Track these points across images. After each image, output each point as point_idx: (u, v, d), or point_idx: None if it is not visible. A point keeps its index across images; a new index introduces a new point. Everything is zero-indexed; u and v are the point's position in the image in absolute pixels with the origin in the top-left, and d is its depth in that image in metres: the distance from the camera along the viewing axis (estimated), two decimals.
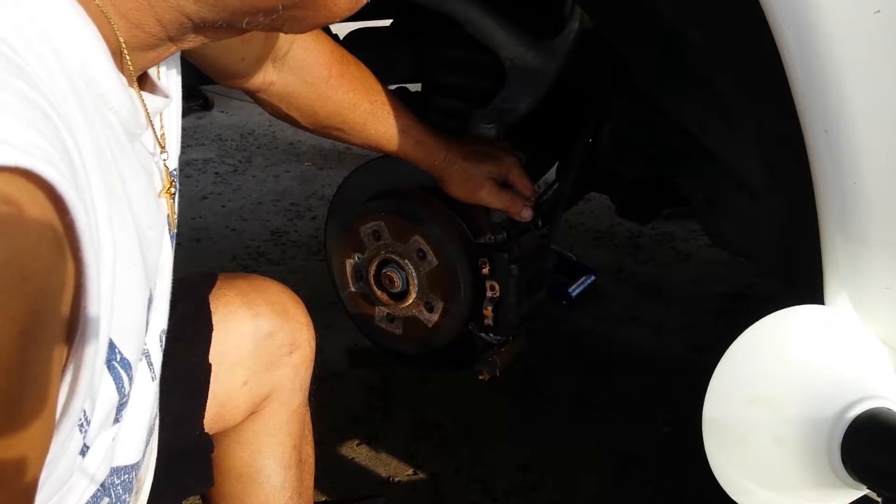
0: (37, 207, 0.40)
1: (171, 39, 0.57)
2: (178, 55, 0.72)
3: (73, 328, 0.46)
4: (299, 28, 0.59)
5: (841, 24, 0.61)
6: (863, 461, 0.67)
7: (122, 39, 0.54)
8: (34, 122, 0.41)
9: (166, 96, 0.66)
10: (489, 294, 1.17)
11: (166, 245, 0.70)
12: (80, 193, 0.44)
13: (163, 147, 0.68)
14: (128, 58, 0.55)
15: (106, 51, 0.52)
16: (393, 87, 1.17)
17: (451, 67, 1.32)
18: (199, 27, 0.57)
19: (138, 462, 0.72)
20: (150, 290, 0.64)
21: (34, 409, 0.41)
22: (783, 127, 0.71)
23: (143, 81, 0.63)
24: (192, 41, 0.59)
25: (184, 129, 0.75)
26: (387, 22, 1.58)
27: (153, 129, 0.65)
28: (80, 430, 0.52)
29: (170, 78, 0.70)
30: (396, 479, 1.60)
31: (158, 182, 0.67)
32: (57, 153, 0.42)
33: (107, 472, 0.65)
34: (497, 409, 1.82)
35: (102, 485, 0.64)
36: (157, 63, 0.62)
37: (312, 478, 1.17)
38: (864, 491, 0.70)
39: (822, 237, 0.74)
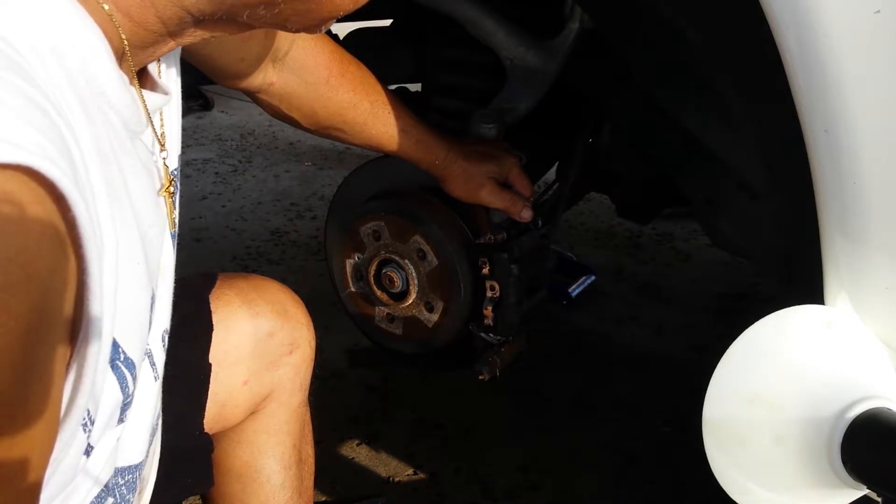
0: (38, 205, 0.40)
1: (171, 35, 0.57)
2: (177, 54, 0.72)
3: (76, 327, 0.46)
4: (303, 23, 0.59)
5: (841, 24, 0.61)
6: (863, 461, 0.67)
7: (124, 37, 0.54)
8: (34, 119, 0.41)
9: (166, 93, 0.66)
10: (489, 294, 1.17)
11: (167, 244, 0.70)
12: (81, 191, 0.43)
13: (162, 145, 0.68)
14: (129, 55, 0.55)
15: (107, 48, 0.52)
16: (393, 87, 1.17)
17: (451, 67, 1.32)
18: (199, 21, 0.56)
19: (142, 462, 0.72)
20: (153, 290, 0.64)
21: (38, 409, 0.41)
22: (783, 127, 0.71)
23: (143, 79, 0.63)
24: (192, 36, 0.59)
25: (184, 129, 0.75)
26: (387, 22, 1.58)
27: (153, 127, 0.65)
28: (84, 430, 0.52)
29: (170, 76, 0.70)
30: (396, 479, 1.60)
31: (157, 181, 0.67)
32: (57, 151, 0.42)
33: (111, 472, 0.65)
34: (497, 409, 1.82)
35: (106, 486, 0.64)
36: (154, 59, 0.62)
37: (312, 477, 1.17)
38: (864, 491, 0.70)
39: (822, 237, 0.74)
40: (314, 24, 0.60)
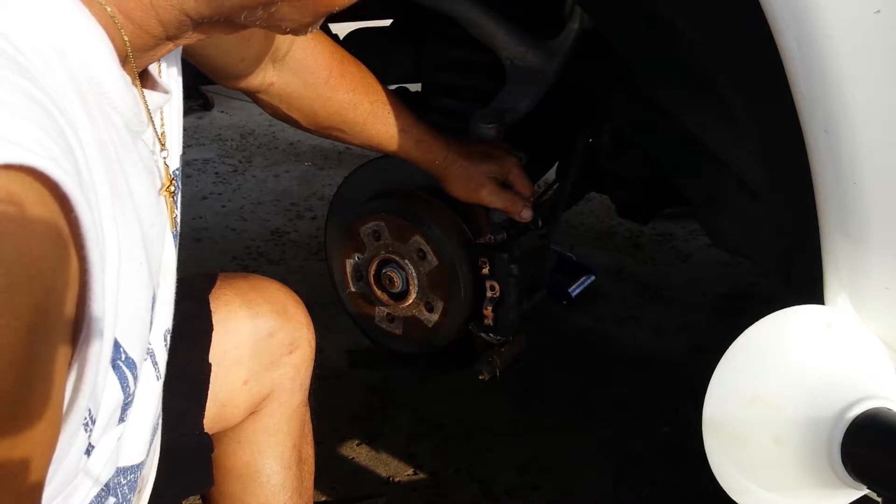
0: (42, 206, 0.40)
1: (170, 38, 0.58)
2: (178, 54, 0.72)
3: (78, 327, 0.46)
4: (298, 20, 0.59)
5: (841, 24, 0.61)
6: (863, 461, 0.67)
7: (126, 40, 0.54)
8: (38, 120, 0.41)
9: (166, 91, 0.66)
10: (489, 294, 1.17)
11: (169, 244, 0.70)
12: (85, 191, 0.44)
13: (163, 145, 0.68)
14: (132, 57, 0.55)
15: (110, 49, 0.52)
16: (393, 87, 1.17)
17: (451, 67, 1.32)
18: (198, 24, 0.57)
19: (143, 462, 0.72)
20: (154, 289, 0.64)
21: (40, 408, 0.41)
22: (783, 127, 0.71)
23: (144, 78, 0.64)
24: (190, 38, 0.59)
25: (184, 128, 0.75)
26: (387, 22, 1.58)
27: (153, 127, 0.65)
28: (85, 430, 0.52)
29: (170, 76, 0.70)
30: (396, 479, 1.60)
31: (158, 180, 0.67)
32: (61, 151, 0.42)
33: (111, 472, 0.65)
34: (497, 409, 1.82)
35: (107, 485, 0.64)
36: (155, 61, 0.62)
37: (312, 477, 1.17)
38: (864, 491, 0.70)
39: (822, 237, 0.74)
40: (309, 21, 0.60)
